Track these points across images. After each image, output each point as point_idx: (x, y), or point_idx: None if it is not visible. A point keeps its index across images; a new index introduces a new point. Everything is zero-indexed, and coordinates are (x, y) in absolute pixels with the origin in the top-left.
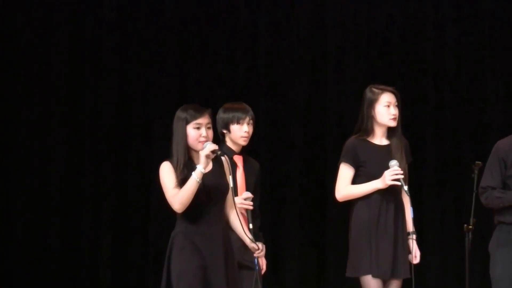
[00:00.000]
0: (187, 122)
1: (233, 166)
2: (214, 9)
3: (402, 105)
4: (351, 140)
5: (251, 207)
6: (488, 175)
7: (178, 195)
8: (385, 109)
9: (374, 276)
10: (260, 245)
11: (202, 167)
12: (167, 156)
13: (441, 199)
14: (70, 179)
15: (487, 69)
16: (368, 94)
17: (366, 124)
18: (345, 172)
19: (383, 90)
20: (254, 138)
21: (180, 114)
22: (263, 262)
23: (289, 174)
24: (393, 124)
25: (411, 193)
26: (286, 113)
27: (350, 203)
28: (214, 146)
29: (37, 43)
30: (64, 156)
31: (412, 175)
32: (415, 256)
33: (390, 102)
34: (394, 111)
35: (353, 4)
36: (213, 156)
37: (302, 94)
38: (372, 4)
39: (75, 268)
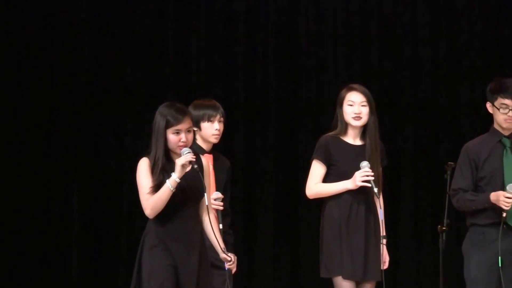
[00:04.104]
0: (167, 126)
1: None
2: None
3: (379, 104)
4: (325, 138)
5: (221, 208)
6: (459, 177)
7: (150, 201)
8: (349, 108)
9: (345, 277)
10: (231, 256)
11: (176, 176)
12: (138, 154)
13: (417, 199)
14: (38, 175)
15: (464, 70)
16: (340, 93)
17: (339, 122)
18: (317, 169)
19: (349, 89)
20: (229, 136)
21: (162, 111)
22: (234, 263)
23: (262, 173)
24: (355, 123)
25: (387, 193)
26: (260, 112)
27: (322, 202)
28: (192, 157)
29: (9, 39)
30: (31, 155)
31: (388, 175)
32: (384, 261)
33: (354, 102)
34: (357, 110)
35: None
36: (189, 166)
37: (276, 91)
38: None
39: (46, 268)
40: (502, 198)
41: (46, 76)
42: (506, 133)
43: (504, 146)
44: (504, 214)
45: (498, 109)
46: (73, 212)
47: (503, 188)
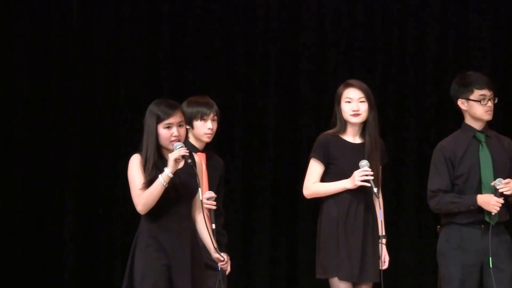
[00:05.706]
0: (158, 121)
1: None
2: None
3: (382, 105)
4: (324, 136)
5: (214, 207)
6: (436, 177)
7: (142, 197)
8: (347, 105)
9: (341, 278)
10: (225, 256)
11: (169, 171)
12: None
13: (419, 199)
14: (32, 179)
15: (471, 62)
16: (338, 89)
17: (337, 120)
18: (315, 168)
19: (346, 86)
20: (226, 137)
21: (152, 108)
22: (228, 263)
23: (260, 173)
24: (354, 120)
25: (389, 191)
26: (259, 112)
27: (320, 201)
28: (185, 151)
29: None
30: (25, 159)
31: (389, 174)
32: (384, 261)
33: (351, 98)
34: (356, 107)
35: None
36: (182, 160)
37: (275, 90)
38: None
39: (39, 270)
40: (493, 202)
41: (38, 80)
42: (479, 128)
43: (479, 141)
44: (494, 213)
45: (479, 101)
46: (67, 216)
47: (480, 184)
